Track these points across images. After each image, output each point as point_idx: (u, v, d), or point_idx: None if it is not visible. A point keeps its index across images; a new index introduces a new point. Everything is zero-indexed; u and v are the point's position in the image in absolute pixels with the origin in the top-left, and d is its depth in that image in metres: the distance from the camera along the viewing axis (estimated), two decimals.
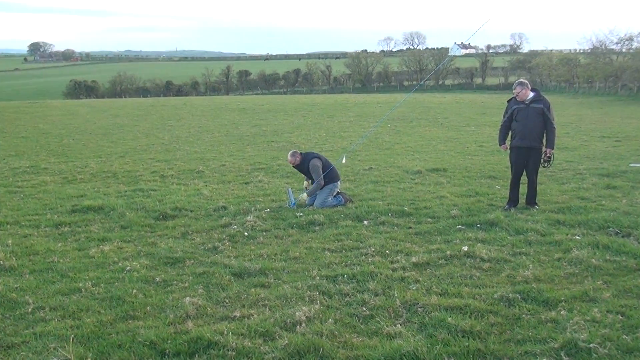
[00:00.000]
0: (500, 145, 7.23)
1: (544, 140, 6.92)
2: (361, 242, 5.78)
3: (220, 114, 29.12)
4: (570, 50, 62.90)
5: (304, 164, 7.69)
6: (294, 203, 7.51)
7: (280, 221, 6.81)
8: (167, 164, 12.39)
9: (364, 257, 5.30)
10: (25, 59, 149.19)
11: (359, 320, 3.90)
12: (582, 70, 45.94)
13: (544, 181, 8.86)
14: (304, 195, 7.60)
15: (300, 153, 7.80)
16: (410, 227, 6.34)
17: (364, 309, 4.08)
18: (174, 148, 15.37)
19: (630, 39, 42.95)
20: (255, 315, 3.98)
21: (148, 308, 4.20)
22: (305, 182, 8.12)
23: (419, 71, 73.77)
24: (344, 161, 8.50)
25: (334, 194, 7.76)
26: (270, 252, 5.54)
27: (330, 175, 7.75)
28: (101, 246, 5.86)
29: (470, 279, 4.66)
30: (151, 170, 11.50)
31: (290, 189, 7.86)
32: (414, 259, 5.13)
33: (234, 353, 3.45)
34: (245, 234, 6.24)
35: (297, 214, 7.09)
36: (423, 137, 16.64)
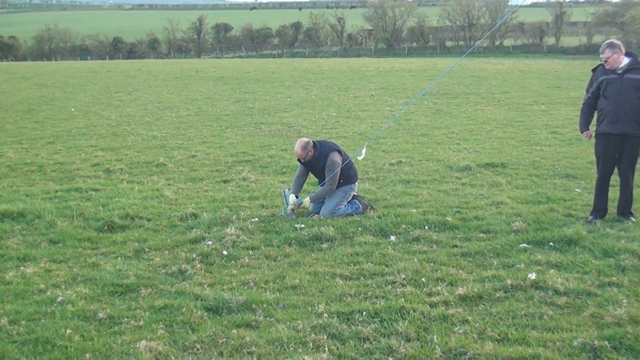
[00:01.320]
0: (582, 132, 7.16)
1: None
2: (386, 266, 5.83)
3: (189, 85, 29.28)
4: None
5: (319, 160, 7.73)
6: (292, 210, 7.55)
7: (274, 235, 6.84)
8: (114, 153, 12.46)
9: (390, 286, 5.33)
10: None
11: None
12: None
13: None
14: (307, 200, 7.63)
15: (315, 144, 7.84)
16: (456, 246, 6.36)
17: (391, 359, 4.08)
18: (124, 132, 15.46)
19: None
20: None
21: (87, 356, 4.20)
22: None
23: (468, 27, 73.67)
24: (361, 156, 8.52)
25: (349, 198, 7.84)
26: (259, 279, 5.58)
27: (346, 173, 7.81)
28: (22, 268, 5.90)
29: (539, 320, 4.65)
30: (92, 162, 11.57)
31: (287, 190, 7.89)
32: (460, 291, 5.13)
33: None
34: (224, 252, 6.27)
35: (297, 225, 7.11)
36: (473, 120, 16.69)
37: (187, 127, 16.05)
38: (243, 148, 12.77)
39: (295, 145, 7.74)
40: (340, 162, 7.65)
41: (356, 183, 7.92)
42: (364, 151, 8.50)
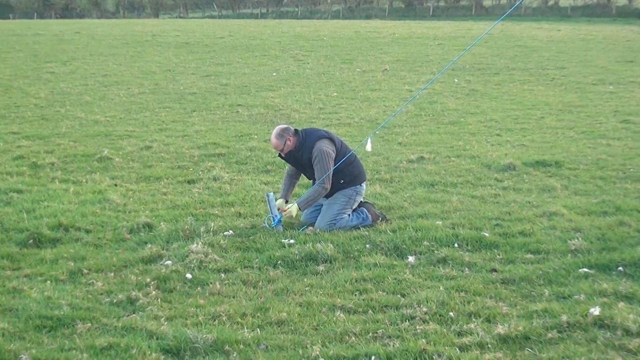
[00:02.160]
0: None
1: None
2: (403, 296, 5.87)
3: (143, 53, 29.29)
4: None
5: (302, 152, 7.73)
6: (279, 220, 7.53)
7: (254, 254, 6.85)
8: (43, 143, 12.44)
9: (407, 323, 5.35)
10: None
11: None
12: None
13: None
14: (293, 207, 7.65)
15: (296, 131, 7.84)
16: (495, 270, 6.37)
17: None
18: (57, 115, 15.45)
19: None
20: None
21: None
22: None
23: None
24: (369, 147, 8.56)
25: (354, 205, 7.87)
26: (235, 311, 5.60)
27: (349, 171, 7.83)
28: None
29: None
30: (13, 154, 11.54)
31: (272, 194, 7.89)
32: (499, 329, 5.14)
33: None
34: (188, 276, 6.26)
35: (285, 241, 7.13)
36: (518, 103, 16.76)
37: (140, 110, 16.07)
38: (214, 138, 12.79)
39: (272, 133, 7.80)
40: (333, 152, 7.68)
41: (363, 185, 7.93)
42: (369, 143, 8.51)
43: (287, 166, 8.14)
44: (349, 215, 7.71)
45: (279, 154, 7.87)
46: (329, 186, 7.66)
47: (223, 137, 12.84)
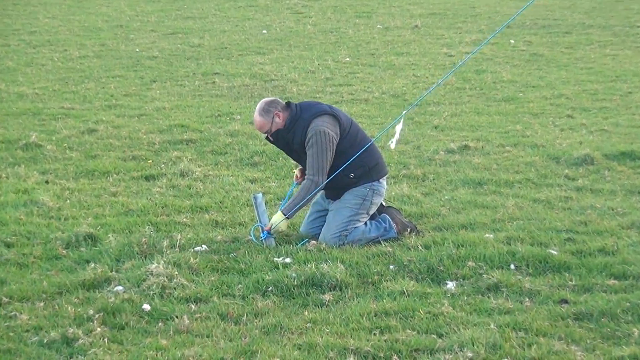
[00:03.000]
0: None
1: None
2: (440, 337, 5.87)
3: (85, 2, 29.18)
4: None
5: (292, 131, 7.71)
6: (268, 232, 7.49)
7: (235, 277, 6.83)
8: None
9: None
10: None
11: None
12: None
13: None
14: (276, 216, 7.59)
15: (288, 104, 7.79)
16: (565, 301, 6.35)
17: None
18: None
19: None
20: None
21: None
22: (296, 173, 8.18)
23: None
24: (393, 145, 8.24)
25: (371, 210, 7.84)
26: (209, 356, 5.58)
27: (361, 162, 7.75)
28: None
29: None
30: None
31: (260, 196, 7.86)
32: None
33: None
34: (146, 307, 6.24)
35: (279, 260, 7.11)
36: (597, 73, 16.69)
37: (81, 80, 16.04)
38: (181, 118, 12.79)
39: (255, 109, 7.76)
40: (336, 136, 7.62)
41: (383, 182, 7.90)
42: (398, 131, 8.19)
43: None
44: (366, 224, 7.69)
45: (267, 137, 7.87)
46: (321, 180, 7.60)
47: (194, 118, 12.84)
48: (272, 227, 7.59)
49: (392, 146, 8.01)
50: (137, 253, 7.21)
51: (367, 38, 21.26)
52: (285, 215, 7.63)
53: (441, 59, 18.07)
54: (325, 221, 7.75)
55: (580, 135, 11.77)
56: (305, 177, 7.67)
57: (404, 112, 7.90)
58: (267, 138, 7.88)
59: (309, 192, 7.61)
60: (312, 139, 7.55)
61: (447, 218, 8.21)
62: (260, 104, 7.72)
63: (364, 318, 6.06)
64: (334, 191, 7.79)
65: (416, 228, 7.80)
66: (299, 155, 7.85)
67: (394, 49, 19.42)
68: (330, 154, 7.57)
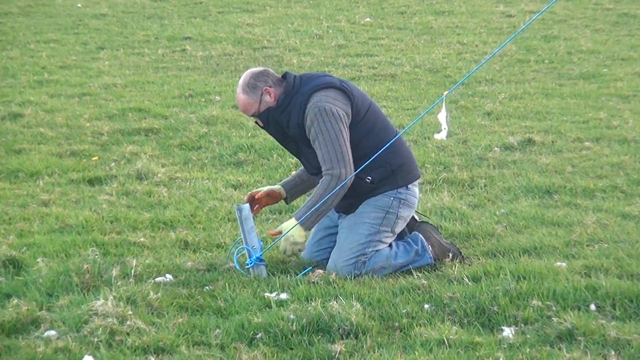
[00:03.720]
0: None
1: None
2: None
3: None
4: None
5: (287, 111, 7.49)
6: (260, 256, 7.45)
7: (212, 319, 6.72)
8: None
9: None
10: None
11: None
12: None
13: None
14: (287, 224, 7.51)
15: (284, 77, 7.64)
16: None
17: None
18: None
19: None
20: None
21: None
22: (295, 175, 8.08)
23: None
24: (444, 133, 8.21)
25: (396, 226, 7.80)
26: None
27: (384, 161, 7.67)
28: None
29: None
30: None
31: (246, 208, 7.83)
32: None
33: None
34: (88, 359, 6.20)
35: (272, 296, 7.04)
36: None
37: (1, 45, 16.06)
38: (139, 99, 12.80)
39: (238, 84, 7.61)
40: (345, 116, 7.65)
41: (414, 189, 7.81)
42: (443, 120, 8.16)
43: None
44: (391, 246, 7.63)
45: (255, 120, 7.77)
46: (345, 171, 7.44)
47: (156, 99, 12.83)
48: (281, 229, 7.53)
49: (443, 136, 8.02)
50: (77, 285, 7.09)
51: None
52: (300, 223, 7.47)
53: (496, 20, 18.09)
54: (335, 242, 7.69)
55: None
56: (323, 171, 7.49)
57: (444, 94, 7.76)
58: (255, 122, 7.84)
59: (330, 190, 7.43)
60: (314, 122, 7.42)
61: (503, 239, 8.12)
62: (244, 77, 7.57)
63: None
64: (346, 201, 7.65)
65: (460, 253, 7.69)
66: (297, 146, 7.69)
67: (432, 6, 19.47)
68: (346, 135, 7.49)
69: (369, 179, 7.54)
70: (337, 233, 7.77)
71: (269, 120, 7.61)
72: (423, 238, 7.74)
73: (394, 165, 7.64)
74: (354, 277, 7.40)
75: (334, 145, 7.43)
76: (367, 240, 7.54)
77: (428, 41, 16.50)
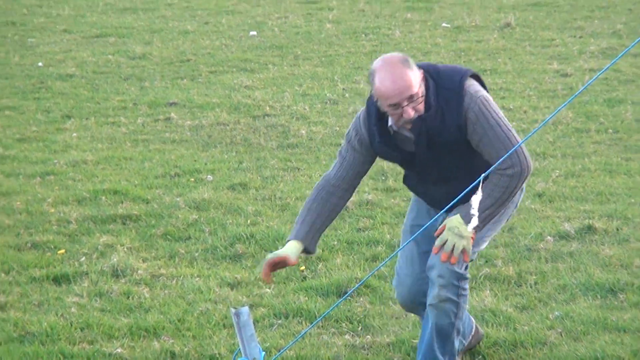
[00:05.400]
0: None
1: None
2: None
3: None
4: None
5: (441, 116, 7.30)
6: None
7: None
8: None
9: None
10: None
11: None
12: None
13: None
14: (455, 220, 7.43)
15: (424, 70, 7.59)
16: None
17: None
18: None
19: None
20: None
21: None
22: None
23: None
24: (470, 228, 8.15)
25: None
26: None
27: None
28: None
29: None
30: None
31: (245, 311, 7.90)
32: None
33: None
34: None
35: None
36: None
37: None
38: (114, 179, 12.95)
39: (379, 72, 7.43)
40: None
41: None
42: (475, 205, 8.06)
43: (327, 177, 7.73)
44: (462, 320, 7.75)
45: (382, 139, 7.60)
46: (527, 163, 7.51)
47: (135, 179, 12.99)
48: (445, 232, 7.53)
49: (473, 226, 7.92)
50: None
51: (426, 44, 21.46)
52: (474, 222, 7.37)
53: (549, 80, 18.14)
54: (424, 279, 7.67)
55: None
56: (499, 173, 7.52)
57: (482, 175, 7.67)
58: (382, 141, 7.60)
59: (510, 190, 7.56)
60: (479, 117, 7.54)
61: (557, 349, 8.22)
62: (390, 56, 7.61)
63: None
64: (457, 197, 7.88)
65: None
66: (434, 156, 7.71)
67: (470, 62, 19.52)
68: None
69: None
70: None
71: (422, 131, 7.58)
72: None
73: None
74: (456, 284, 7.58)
75: (510, 139, 7.58)
76: (483, 238, 7.87)
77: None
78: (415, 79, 7.38)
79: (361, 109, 7.76)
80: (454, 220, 7.44)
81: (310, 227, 7.60)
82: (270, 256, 7.56)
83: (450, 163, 7.70)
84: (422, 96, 7.42)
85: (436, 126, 7.53)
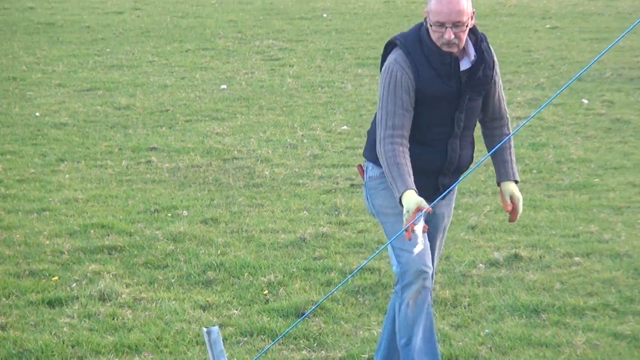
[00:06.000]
0: None
1: None
2: None
3: None
4: None
5: (485, 55, 7.81)
6: None
7: None
8: None
9: None
10: None
11: None
12: None
13: None
14: (518, 192, 7.60)
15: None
16: None
17: None
18: None
19: None
20: None
21: None
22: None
23: None
24: (420, 247, 8.10)
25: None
26: None
27: None
28: None
29: None
30: None
31: (215, 330, 7.91)
32: None
33: None
34: None
35: None
36: None
37: None
38: (102, 215, 12.95)
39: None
40: None
41: None
42: (420, 233, 7.99)
43: (393, 120, 7.62)
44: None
45: (448, 57, 7.61)
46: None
47: (120, 214, 12.98)
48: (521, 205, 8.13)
49: (420, 249, 7.79)
50: None
51: (374, 96, 21.40)
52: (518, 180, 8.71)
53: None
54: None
55: None
56: (503, 122, 8.33)
57: (424, 210, 7.57)
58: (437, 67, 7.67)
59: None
60: (498, 69, 7.96)
61: None
62: None
63: None
64: (457, 167, 8.60)
65: None
66: (466, 101, 7.87)
67: None
68: None
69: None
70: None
71: (471, 71, 7.82)
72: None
73: None
74: None
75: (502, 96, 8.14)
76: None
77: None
78: (467, 9, 7.47)
79: (391, 55, 7.74)
80: (517, 189, 8.68)
81: (410, 175, 7.63)
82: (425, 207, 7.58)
83: (475, 110, 7.97)
84: (466, 27, 7.50)
85: (478, 66, 7.72)
